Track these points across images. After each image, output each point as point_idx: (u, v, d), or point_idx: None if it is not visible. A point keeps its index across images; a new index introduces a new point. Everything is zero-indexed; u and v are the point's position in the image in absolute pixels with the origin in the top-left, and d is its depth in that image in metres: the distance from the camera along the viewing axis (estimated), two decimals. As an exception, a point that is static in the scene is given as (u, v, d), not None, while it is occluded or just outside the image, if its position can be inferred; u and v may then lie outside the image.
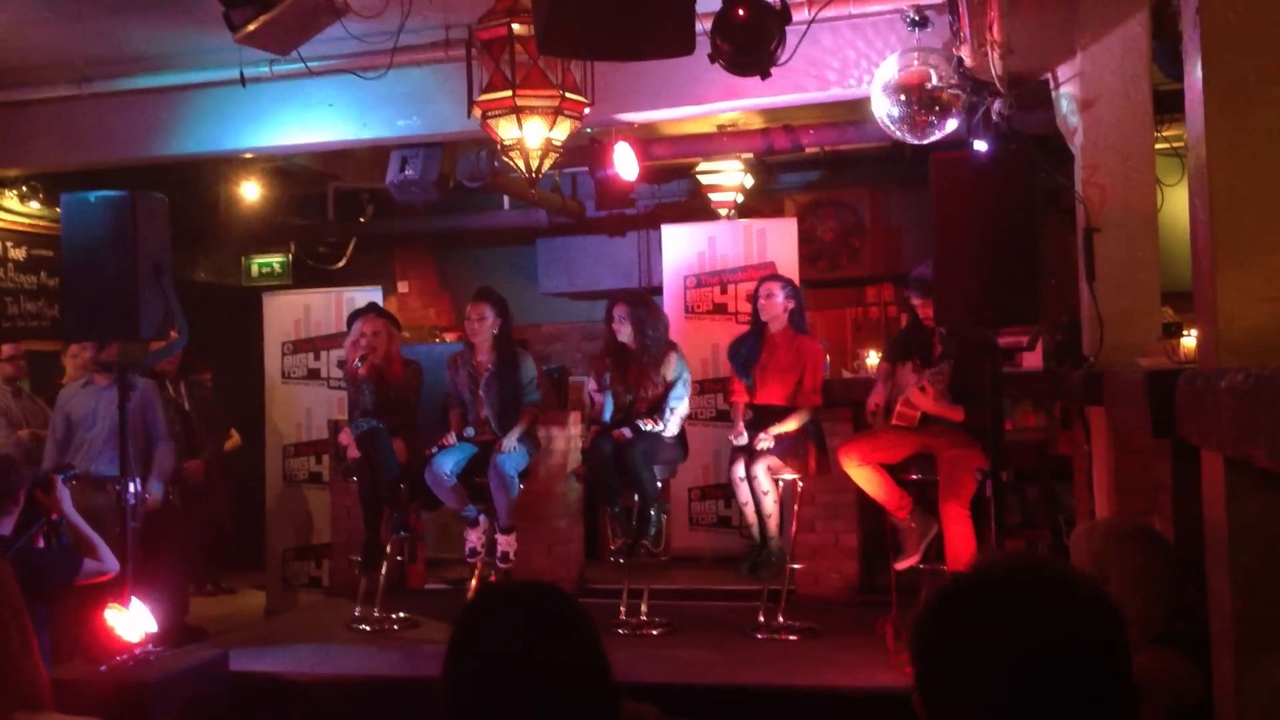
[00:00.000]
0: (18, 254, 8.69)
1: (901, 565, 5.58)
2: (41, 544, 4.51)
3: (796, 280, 7.36)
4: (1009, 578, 1.42)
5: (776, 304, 6.01)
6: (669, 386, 6.09)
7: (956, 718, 1.38)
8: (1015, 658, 1.33)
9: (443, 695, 1.77)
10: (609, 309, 6.19)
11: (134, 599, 4.83)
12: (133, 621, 4.80)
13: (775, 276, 6.31)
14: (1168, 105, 5.45)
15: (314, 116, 6.94)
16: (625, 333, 6.09)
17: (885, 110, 5.37)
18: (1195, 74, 2.34)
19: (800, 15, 5.34)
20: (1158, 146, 5.24)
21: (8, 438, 6.51)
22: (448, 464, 6.05)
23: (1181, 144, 5.46)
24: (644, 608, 5.99)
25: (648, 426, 5.96)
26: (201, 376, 7.58)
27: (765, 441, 5.75)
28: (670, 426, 6.06)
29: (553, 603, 1.85)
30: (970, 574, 1.47)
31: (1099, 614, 1.39)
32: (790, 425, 5.81)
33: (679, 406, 6.11)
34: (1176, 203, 5.49)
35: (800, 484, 5.88)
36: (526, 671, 1.73)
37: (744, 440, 5.87)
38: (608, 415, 6.10)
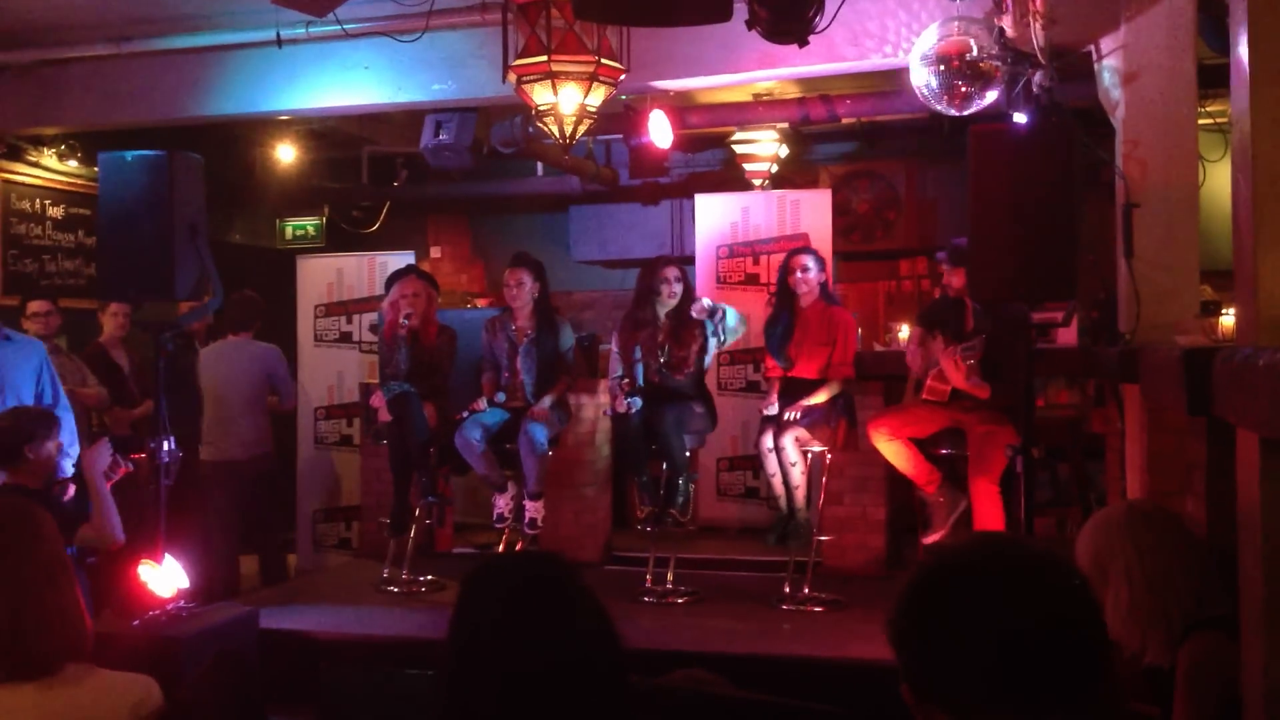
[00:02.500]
0: (56, 212, 8.76)
1: (930, 540, 5.57)
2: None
3: (828, 251, 7.34)
4: (982, 561, 1.47)
5: (812, 279, 5.97)
6: (701, 344, 6.03)
7: (944, 703, 1.41)
8: (997, 637, 1.37)
9: (445, 668, 1.77)
10: (658, 269, 6.07)
11: (167, 555, 4.90)
12: (165, 577, 4.86)
13: (805, 250, 6.23)
14: (1212, 80, 5.35)
15: (349, 79, 6.94)
16: (677, 293, 6.02)
17: (924, 81, 5.31)
18: (1241, 48, 2.29)
19: (840, -17, 5.28)
20: (1201, 122, 5.16)
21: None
22: (478, 429, 6.07)
23: (1225, 119, 5.38)
24: (670, 576, 6.01)
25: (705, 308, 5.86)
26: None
27: (793, 414, 5.74)
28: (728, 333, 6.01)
29: (552, 575, 1.84)
30: (943, 560, 1.51)
31: (1073, 587, 1.44)
32: (820, 397, 5.80)
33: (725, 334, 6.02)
34: (1218, 179, 5.43)
35: (829, 456, 5.86)
36: (524, 645, 1.73)
37: (775, 410, 5.85)
38: (640, 381, 6.07)
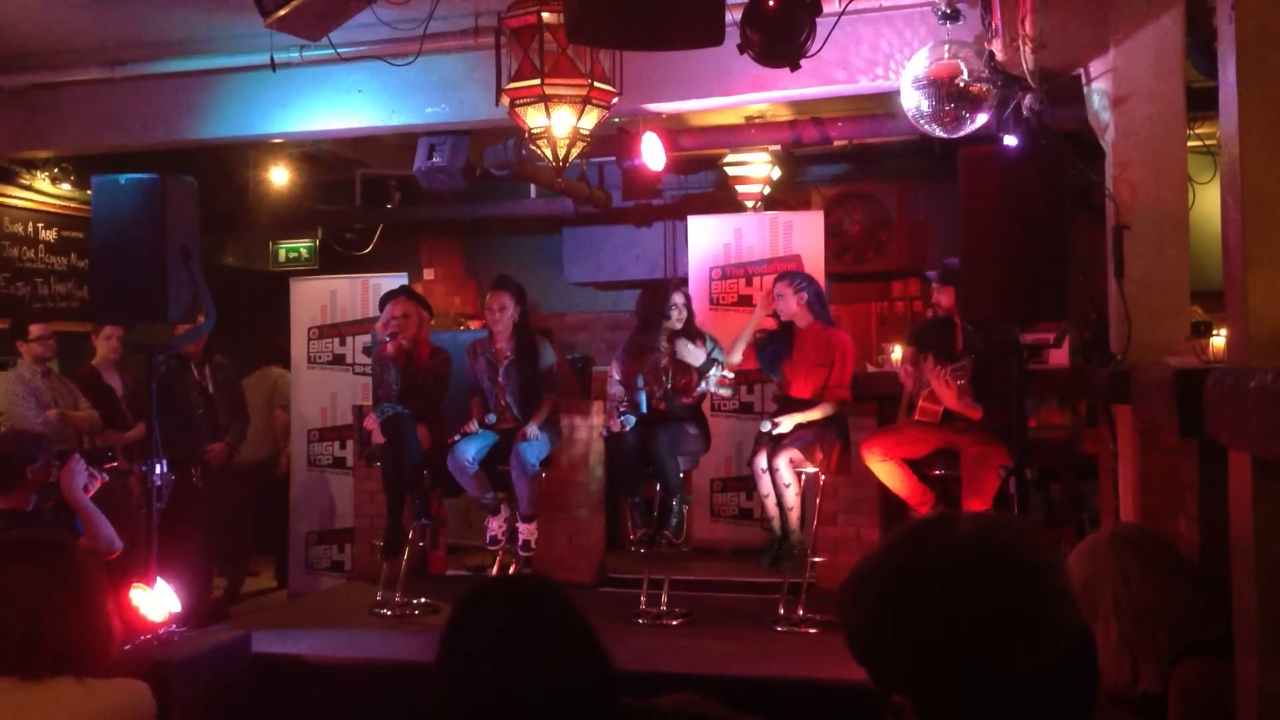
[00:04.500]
0: (48, 235, 8.76)
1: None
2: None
3: (820, 271, 7.36)
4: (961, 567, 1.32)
5: (789, 303, 6.00)
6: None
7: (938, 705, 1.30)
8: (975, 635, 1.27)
9: (433, 690, 1.76)
10: (668, 294, 6.10)
11: (159, 579, 4.88)
12: (157, 601, 4.84)
13: (784, 275, 6.30)
14: (1201, 102, 5.41)
15: (343, 102, 6.96)
16: (685, 318, 6.06)
17: (915, 104, 5.35)
18: (1229, 71, 2.31)
19: (830, 7, 5.31)
20: (1190, 144, 5.19)
21: (36, 417, 6.57)
22: (470, 451, 6.07)
23: (1214, 141, 5.42)
24: (664, 598, 6.00)
25: (716, 382, 5.96)
26: (216, 358, 7.64)
27: (781, 426, 5.73)
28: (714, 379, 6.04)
29: (542, 597, 1.84)
30: (911, 561, 1.35)
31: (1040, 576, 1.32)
32: (813, 415, 5.79)
33: (717, 365, 6.04)
34: (1208, 201, 5.46)
35: (822, 477, 5.86)
36: (513, 668, 1.72)
37: (766, 427, 5.84)
38: (644, 409, 6.08)
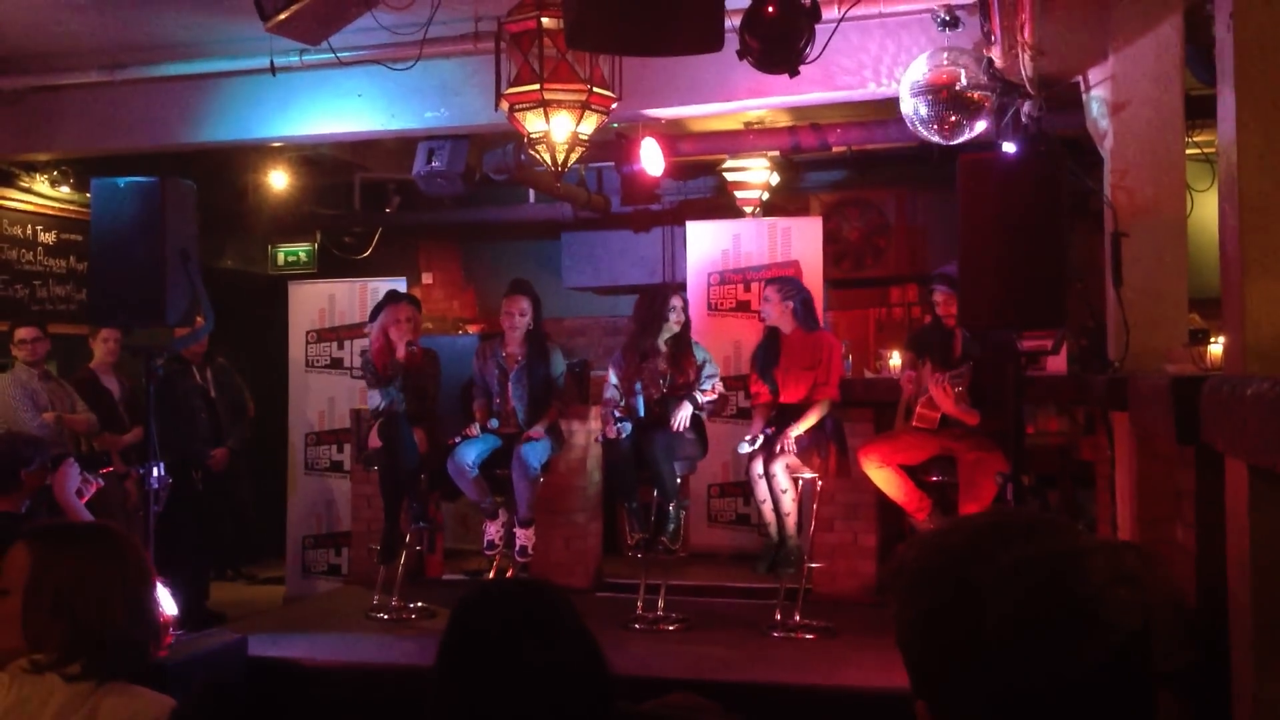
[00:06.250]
0: (47, 238, 8.76)
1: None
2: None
3: (818, 279, 7.36)
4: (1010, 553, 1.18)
5: (772, 309, 6.02)
6: (698, 370, 6.10)
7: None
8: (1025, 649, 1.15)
9: (433, 694, 1.77)
10: (667, 297, 6.14)
11: (155, 582, 4.87)
12: (153, 604, 4.83)
13: (773, 281, 6.33)
14: (1199, 110, 5.41)
15: (343, 106, 6.97)
16: (680, 321, 6.10)
17: (914, 110, 5.35)
18: (1228, 79, 2.32)
19: (830, 13, 5.32)
20: (1188, 152, 5.20)
21: (33, 419, 6.56)
22: (470, 455, 6.06)
23: (1212, 149, 5.43)
24: (661, 603, 5.99)
25: (705, 399, 6.02)
26: (218, 361, 7.64)
27: (786, 444, 5.74)
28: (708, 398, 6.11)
29: (541, 602, 1.85)
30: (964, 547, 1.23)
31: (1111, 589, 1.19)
32: (808, 422, 5.79)
33: (715, 382, 6.16)
34: (1206, 209, 5.48)
35: (819, 483, 5.86)
36: (512, 672, 1.73)
37: (754, 444, 5.85)
38: (641, 412, 6.10)
